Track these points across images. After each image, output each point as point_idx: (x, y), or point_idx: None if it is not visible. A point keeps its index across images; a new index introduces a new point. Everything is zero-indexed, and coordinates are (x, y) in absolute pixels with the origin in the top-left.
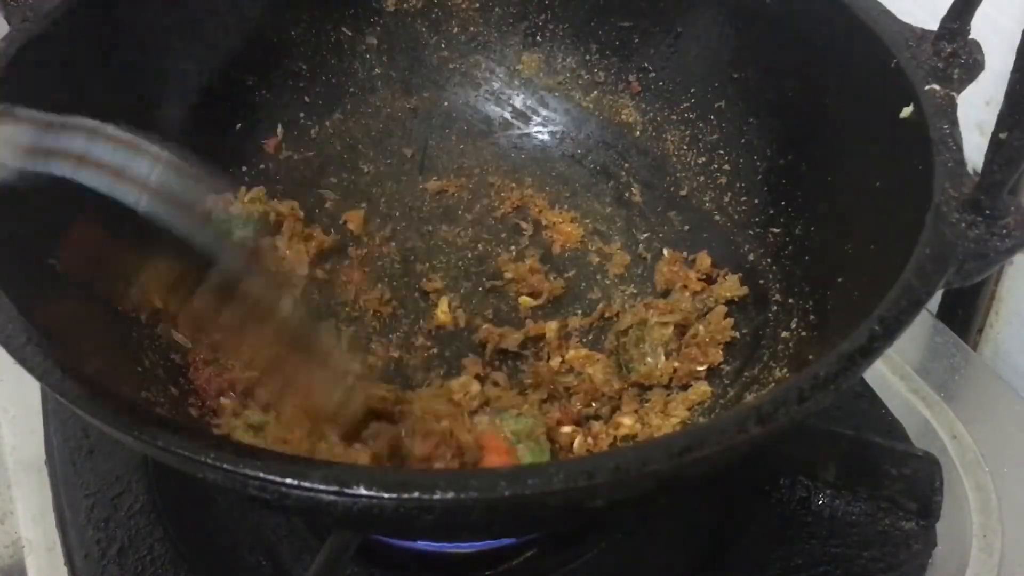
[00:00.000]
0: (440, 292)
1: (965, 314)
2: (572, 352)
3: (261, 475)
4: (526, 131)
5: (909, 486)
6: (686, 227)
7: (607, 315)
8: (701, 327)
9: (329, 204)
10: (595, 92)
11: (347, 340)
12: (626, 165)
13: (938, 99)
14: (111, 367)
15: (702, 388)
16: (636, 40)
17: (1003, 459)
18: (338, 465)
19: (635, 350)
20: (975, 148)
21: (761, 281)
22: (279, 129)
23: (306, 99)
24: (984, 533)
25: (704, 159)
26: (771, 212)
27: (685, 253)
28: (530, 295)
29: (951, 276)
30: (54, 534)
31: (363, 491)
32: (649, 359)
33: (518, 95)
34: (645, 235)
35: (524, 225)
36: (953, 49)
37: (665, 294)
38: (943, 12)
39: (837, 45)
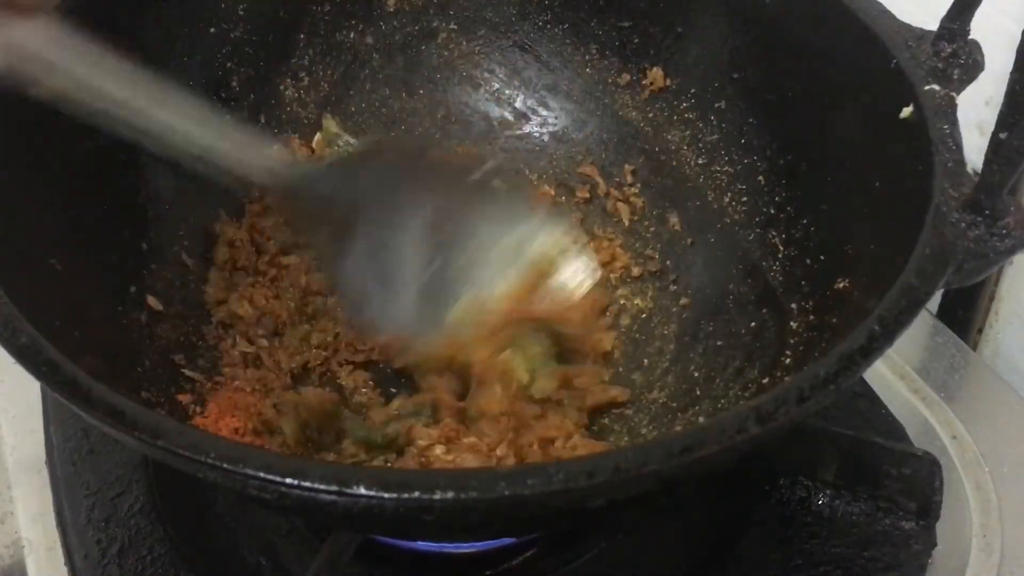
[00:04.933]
0: None
1: (965, 314)
2: None
3: (261, 475)
4: (526, 131)
5: (909, 486)
6: (686, 228)
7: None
8: None
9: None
10: (595, 92)
11: None
12: (626, 165)
13: (938, 99)
14: (110, 367)
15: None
16: (636, 40)
17: (1003, 459)
18: (338, 465)
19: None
20: (975, 148)
21: (761, 281)
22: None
23: (306, 100)
24: (984, 533)
25: (704, 159)
26: (771, 212)
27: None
28: None
29: (951, 276)
30: (54, 534)
31: (363, 491)
32: None
33: (518, 95)
34: (645, 235)
35: None
36: (953, 49)
37: None
38: (943, 12)
39: (837, 45)
